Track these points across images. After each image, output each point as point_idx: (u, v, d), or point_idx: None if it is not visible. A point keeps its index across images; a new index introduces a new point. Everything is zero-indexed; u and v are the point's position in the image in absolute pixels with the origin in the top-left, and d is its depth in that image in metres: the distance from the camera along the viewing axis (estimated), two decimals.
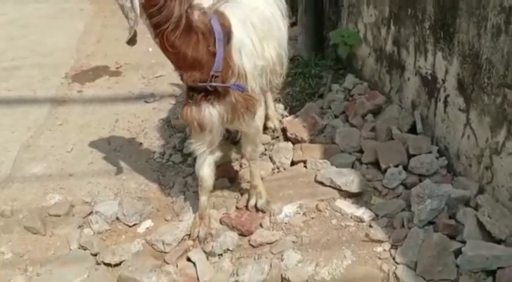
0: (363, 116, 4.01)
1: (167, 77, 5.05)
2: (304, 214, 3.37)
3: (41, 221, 3.48)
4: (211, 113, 2.93)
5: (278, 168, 3.85)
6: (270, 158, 3.92)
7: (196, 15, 2.72)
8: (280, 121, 4.26)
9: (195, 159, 3.90)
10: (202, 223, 3.31)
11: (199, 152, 3.19)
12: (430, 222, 3.13)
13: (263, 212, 3.42)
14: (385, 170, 3.53)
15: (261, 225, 3.35)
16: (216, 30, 2.76)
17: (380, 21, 4.11)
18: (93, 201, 3.66)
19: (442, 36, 3.41)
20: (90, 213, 3.56)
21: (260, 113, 3.17)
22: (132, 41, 2.63)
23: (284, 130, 4.14)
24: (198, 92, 2.90)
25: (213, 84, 2.83)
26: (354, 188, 3.42)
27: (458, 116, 3.36)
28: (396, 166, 3.51)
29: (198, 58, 2.76)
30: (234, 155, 3.94)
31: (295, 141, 4.03)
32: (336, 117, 4.18)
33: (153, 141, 4.26)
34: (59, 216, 3.57)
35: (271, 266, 3.02)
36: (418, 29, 3.65)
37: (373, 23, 4.23)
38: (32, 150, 4.25)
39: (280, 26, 3.33)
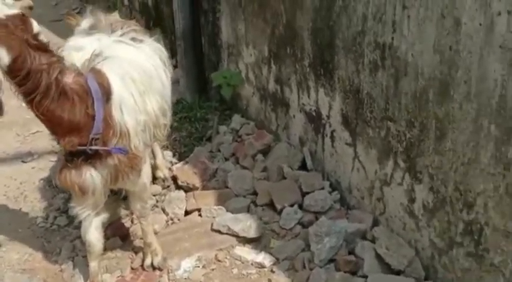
0: (253, 157, 3.96)
1: (45, 133, 4.71)
2: (203, 267, 3.24)
3: None
4: (93, 175, 2.74)
5: (172, 219, 3.69)
6: (163, 209, 3.76)
7: (70, 78, 2.53)
8: (170, 169, 4.11)
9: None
10: None
11: (83, 216, 2.98)
12: (331, 260, 3.11)
13: (160, 270, 3.24)
14: (281, 211, 3.49)
15: None
16: (94, 90, 2.59)
17: (260, 61, 4.12)
18: None
19: (322, 73, 3.45)
20: None
21: (146, 169, 3.02)
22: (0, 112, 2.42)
23: (174, 178, 3.99)
24: (77, 155, 2.71)
25: (93, 147, 2.64)
26: (252, 233, 3.34)
27: (345, 150, 3.40)
28: (291, 205, 3.47)
29: (75, 122, 2.56)
30: (123, 211, 3.72)
31: (187, 189, 3.89)
32: (227, 159, 4.11)
33: (34, 204, 3.94)
34: None
35: None
36: (299, 67, 3.68)
37: (253, 63, 4.22)
38: None
39: (161, 77, 3.21)
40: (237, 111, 4.58)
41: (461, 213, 2.63)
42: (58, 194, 3.97)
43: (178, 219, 3.68)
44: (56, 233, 3.69)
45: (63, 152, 2.74)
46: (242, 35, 4.28)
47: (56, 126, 2.56)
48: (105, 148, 2.67)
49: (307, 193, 3.52)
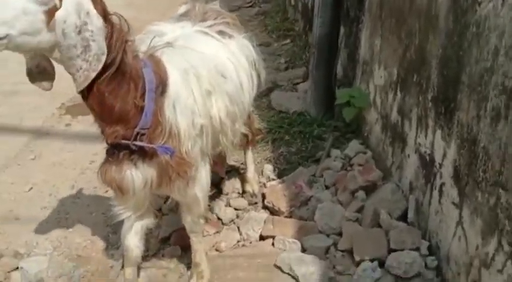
0: (353, 192, 3.41)
1: None
2: None
3: None
4: (133, 175, 2.42)
5: (244, 240, 3.31)
6: (238, 227, 3.39)
7: (130, 59, 2.25)
8: (264, 185, 3.73)
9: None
10: None
11: (123, 216, 2.71)
12: None
13: None
14: (359, 263, 2.92)
15: None
16: (148, 79, 2.27)
17: (388, 85, 3.54)
18: (26, 254, 3.23)
19: (443, 112, 2.81)
20: (16, 268, 3.12)
21: (201, 180, 2.64)
22: None
23: (264, 196, 3.60)
24: (120, 149, 2.41)
25: (137, 143, 2.32)
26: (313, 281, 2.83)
27: (451, 211, 2.73)
28: (372, 260, 2.89)
29: (124, 111, 2.25)
30: None
31: (272, 210, 3.48)
32: (327, 188, 3.60)
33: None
34: None
35: None
36: (422, 100, 3.06)
37: (382, 86, 3.65)
38: None
39: (241, 79, 2.82)
40: (358, 137, 4.04)
41: None
42: None
43: (250, 242, 3.29)
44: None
45: (106, 145, 2.46)
46: (377, 53, 3.73)
47: (103, 111, 2.24)
48: (150, 145, 2.34)
49: (395, 250, 2.91)
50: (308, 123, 4.22)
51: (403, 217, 3.15)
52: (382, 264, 2.89)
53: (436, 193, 2.90)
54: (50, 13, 1.98)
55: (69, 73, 2.13)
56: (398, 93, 3.38)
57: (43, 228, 3.45)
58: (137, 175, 2.42)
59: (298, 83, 5.03)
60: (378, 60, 3.70)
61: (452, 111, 2.70)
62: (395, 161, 3.46)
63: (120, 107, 2.24)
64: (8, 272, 3.12)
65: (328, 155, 3.90)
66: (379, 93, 3.72)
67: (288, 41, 6.22)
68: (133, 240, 2.76)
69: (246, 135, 3.39)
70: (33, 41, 1.99)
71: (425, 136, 3.01)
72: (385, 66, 3.59)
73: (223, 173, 3.69)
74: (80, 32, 2.00)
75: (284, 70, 5.49)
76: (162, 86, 2.33)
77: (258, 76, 3.07)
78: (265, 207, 3.55)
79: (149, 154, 2.38)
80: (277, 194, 3.55)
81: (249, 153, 3.64)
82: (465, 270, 2.60)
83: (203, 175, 2.65)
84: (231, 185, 3.74)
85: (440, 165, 2.84)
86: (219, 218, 3.50)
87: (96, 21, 2.03)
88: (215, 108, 2.59)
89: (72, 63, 2.07)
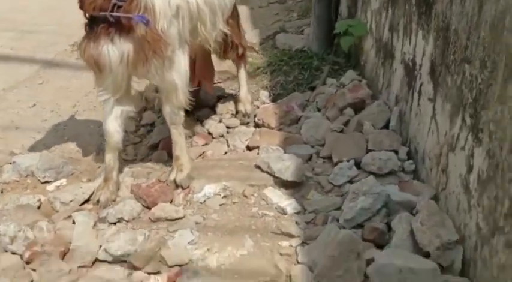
0: (341, 109, 3.43)
1: None
2: (225, 197, 2.84)
3: None
4: (109, 50, 2.52)
5: (231, 151, 3.37)
6: (227, 140, 3.45)
7: None
8: (257, 107, 3.78)
9: (149, 131, 3.57)
10: (105, 186, 2.89)
11: (102, 98, 2.80)
12: (360, 225, 2.52)
13: (182, 188, 2.94)
14: (336, 165, 2.95)
15: (171, 201, 2.87)
16: None
17: (382, 5, 3.56)
18: (20, 153, 3.36)
19: (423, 10, 2.83)
20: (10, 163, 3.25)
21: (180, 67, 2.72)
22: None
23: (255, 116, 3.65)
24: (98, 23, 2.52)
25: (114, 14, 2.43)
26: (287, 176, 2.86)
27: (427, 107, 2.74)
28: (349, 161, 2.92)
29: None
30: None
31: (261, 127, 3.53)
32: (319, 110, 3.63)
33: None
34: None
35: (147, 238, 2.53)
36: (408, 7, 3.07)
37: (377, 9, 3.67)
38: None
39: None
40: (355, 67, 4.06)
41: (510, 186, 1.90)
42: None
43: (236, 152, 3.34)
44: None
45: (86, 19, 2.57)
46: None
47: None
48: (127, 15, 2.44)
49: (372, 151, 2.93)
50: (308, 57, 4.26)
51: (386, 127, 3.16)
52: (358, 165, 2.91)
53: (416, 96, 2.91)
54: None
55: None
56: (390, 10, 3.40)
57: (40, 135, 3.59)
58: (113, 50, 2.52)
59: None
60: None
61: (431, 5, 2.71)
62: (384, 81, 3.47)
63: None
64: (1, 166, 3.25)
65: (324, 83, 3.93)
66: (374, 18, 3.73)
67: None
68: (112, 124, 2.84)
69: (235, 46, 3.44)
70: None
71: (409, 42, 3.03)
72: None
73: (211, 89, 3.73)
74: None
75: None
76: None
77: None
78: (256, 125, 3.59)
79: (126, 28, 2.48)
80: (268, 112, 3.60)
81: (242, 72, 3.69)
82: (436, 163, 2.60)
83: (181, 61, 2.73)
84: (225, 107, 3.80)
85: (420, 66, 2.85)
86: (209, 133, 3.56)
87: None
88: None
89: None
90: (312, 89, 3.94)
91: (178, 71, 2.73)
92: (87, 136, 3.58)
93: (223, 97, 3.93)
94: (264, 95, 3.95)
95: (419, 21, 2.88)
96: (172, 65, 2.68)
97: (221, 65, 4.11)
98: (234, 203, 2.83)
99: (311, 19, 4.48)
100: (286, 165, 2.89)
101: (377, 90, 3.58)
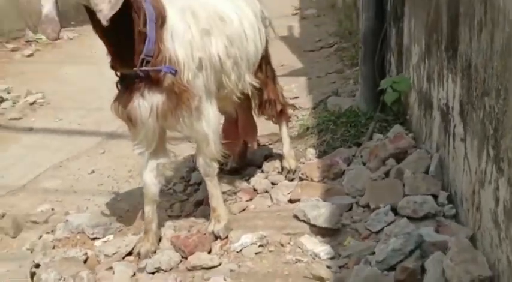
0: (384, 160, 3.42)
1: None
2: (261, 246, 2.88)
3: (16, 225, 3.45)
4: (141, 104, 2.70)
5: (274, 205, 3.41)
6: (270, 195, 3.50)
7: None
8: (302, 163, 3.82)
9: (196, 189, 3.68)
10: (146, 238, 2.98)
11: (138, 152, 2.95)
12: (393, 268, 2.46)
13: (220, 238, 2.99)
14: (373, 211, 2.92)
15: (209, 251, 2.92)
16: (149, 10, 2.61)
17: (420, 58, 3.59)
18: (74, 213, 3.54)
19: (451, 54, 2.85)
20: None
21: (209, 117, 2.86)
22: None
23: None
24: (128, 80, 2.72)
25: (143, 68, 2.63)
26: (321, 222, 2.86)
27: (460, 148, 2.71)
28: (385, 207, 2.88)
29: (130, 39, 2.60)
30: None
31: (304, 180, 3.56)
32: (364, 164, 3.63)
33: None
34: (37, 223, 3.51)
35: None
36: (439, 54, 3.10)
37: (416, 63, 3.70)
38: (59, 170, 4.32)
39: (244, 27, 3.10)
40: (402, 122, 4.05)
41: None
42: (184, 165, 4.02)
43: (279, 205, 3.38)
44: (168, 195, 3.73)
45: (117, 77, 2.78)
46: (412, 34, 3.80)
47: (114, 40, 2.60)
48: (155, 68, 2.62)
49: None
50: (355, 115, 4.30)
51: (427, 174, 3.11)
52: (395, 210, 2.87)
53: (451, 139, 2.88)
54: None
55: (95, 8, 2.44)
56: (426, 61, 3.43)
57: (95, 197, 3.77)
58: (143, 104, 2.70)
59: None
60: (414, 40, 3.78)
61: (456, 47, 2.74)
62: (427, 130, 3.45)
63: (128, 35, 2.58)
64: (55, 225, 3.42)
65: (370, 139, 3.94)
66: (415, 72, 3.76)
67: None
68: (149, 177, 2.97)
69: (272, 102, 3.54)
70: None
71: (443, 88, 3.03)
72: (418, 42, 3.66)
73: (254, 143, 3.81)
74: None
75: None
76: (161, 18, 2.66)
77: (265, 29, 3.30)
78: (300, 180, 3.62)
79: (154, 82, 2.66)
80: (312, 167, 3.64)
81: (283, 129, 3.76)
82: (471, 201, 2.54)
83: (210, 112, 2.86)
84: (272, 165, 3.87)
85: (452, 108, 2.84)
86: (254, 189, 3.62)
87: None
88: (214, 47, 2.85)
89: None
90: (359, 145, 3.95)
91: (208, 121, 2.85)
92: (138, 197, 3.71)
93: (270, 156, 4.01)
94: (311, 152, 3.99)
95: (448, 66, 2.90)
96: (201, 116, 2.81)
97: (270, 128, 4.22)
98: (270, 251, 2.86)
99: (359, 79, 4.55)
100: (321, 212, 2.90)
101: (421, 141, 3.55)
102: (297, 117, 4.84)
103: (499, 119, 2.13)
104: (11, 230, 3.41)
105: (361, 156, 3.69)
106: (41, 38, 8.86)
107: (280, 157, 3.86)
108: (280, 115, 3.70)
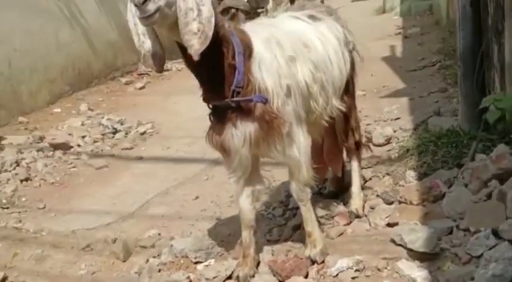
0: (486, 182, 3.30)
1: None
2: (358, 270, 2.88)
3: (126, 249, 3.67)
4: (233, 134, 2.80)
5: (372, 229, 3.39)
6: (368, 219, 3.48)
7: (224, 28, 2.72)
8: (401, 185, 3.76)
9: (294, 214, 3.74)
10: (244, 263, 3.07)
11: (233, 180, 3.06)
12: None
13: (316, 263, 3.02)
14: (475, 234, 2.83)
15: (306, 276, 2.96)
16: (236, 43, 2.72)
17: None
18: (179, 238, 3.70)
19: None
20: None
21: (300, 143, 2.91)
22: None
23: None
24: (220, 111, 2.84)
25: (235, 99, 2.73)
26: (418, 246, 2.82)
27: None
28: (486, 230, 2.79)
29: (221, 71, 2.72)
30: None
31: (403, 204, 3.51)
32: (466, 186, 3.52)
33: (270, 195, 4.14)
34: (145, 247, 3.70)
35: None
36: None
37: None
38: (166, 197, 4.54)
39: (328, 52, 3.15)
40: (509, 143, 3.88)
41: None
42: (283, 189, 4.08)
43: (377, 229, 3.35)
44: (267, 220, 3.82)
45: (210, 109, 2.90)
46: None
47: (205, 73, 2.74)
48: (246, 98, 2.72)
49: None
50: (457, 135, 4.17)
51: None
52: (496, 234, 2.77)
53: None
54: None
55: (186, 44, 2.58)
56: None
57: (199, 223, 3.93)
58: (236, 133, 2.80)
59: None
60: None
61: None
62: None
63: (218, 68, 2.71)
64: (161, 250, 3.60)
65: (473, 159, 3.81)
66: None
67: None
68: (244, 203, 3.07)
69: (353, 129, 3.55)
70: (171, 11, 2.52)
71: None
72: None
73: (339, 171, 3.78)
74: None
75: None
76: (248, 50, 2.76)
77: (350, 52, 3.31)
78: (399, 203, 3.57)
79: (245, 111, 2.76)
80: (411, 189, 3.58)
81: (355, 165, 3.67)
82: None
83: (300, 137, 2.92)
84: (370, 188, 3.85)
85: None
86: (352, 213, 3.60)
87: None
88: (300, 73, 2.92)
89: (189, 29, 2.54)
90: (460, 166, 3.83)
91: (299, 147, 2.91)
92: (239, 221, 3.80)
93: (369, 180, 3.99)
94: (410, 175, 3.92)
95: None
96: (292, 142, 2.88)
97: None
98: (366, 276, 2.85)
99: (459, 98, 4.43)
100: (418, 236, 2.86)
101: None
102: (398, 139, 4.79)
103: None
104: (122, 254, 3.63)
105: (463, 178, 3.58)
106: (151, 71, 9.39)
107: (347, 195, 3.73)
108: (356, 149, 3.66)
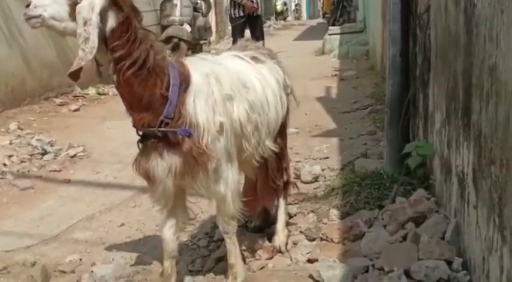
0: (403, 224, 3.46)
1: None
2: None
3: (45, 274, 3.57)
4: (159, 164, 2.82)
5: (293, 264, 3.46)
6: (290, 254, 3.56)
7: (158, 58, 2.75)
8: (324, 223, 3.87)
9: (219, 246, 3.77)
10: None
11: (157, 208, 3.08)
12: None
13: None
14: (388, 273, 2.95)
15: None
16: (173, 76, 2.76)
17: (441, 124, 3.66)
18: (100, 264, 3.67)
19: (466, 122, 2.92)
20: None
21: (228, 180, 2.95)
22: (75, 75, 2.75)
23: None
24: (148, 140, 2.86)
25: (162, 129, 2.76)
26: None
27: (472, 215, 2.75)
28: (398, 270, 2.91)
29: (151, 100, 2.74)
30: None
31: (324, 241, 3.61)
32: (385, 227, 3.66)
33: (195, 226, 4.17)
34: (65, 272, 3.64)
35: None
36: (456, 121, 3.17)
37: (438, 129, 3.77)
38: (92, 222, 4.48)
39: (266, 94, 3.23)
40: (428, 188, 4.08)
41: None
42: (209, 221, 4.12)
43: (297, 265, 3.43)
44: (191, 251, 3.83)
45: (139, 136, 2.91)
46: (435, 101, 3.89)
47: (134, 100, 2.74)
48: (172, 129, 2.75)
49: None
50: (380, 178, 4.35)
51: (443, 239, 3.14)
52: (409, 274, 2.89)
53: (466, 206, 2.91)
54: (73, 6, 2.57)
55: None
56: (446, 127, 3.50)
57: (122, 250, 3.90)
58: (161, 164, 2.82)
59: None
60: (436, 106, 3.85)
61: (469, 116, 2.81)
62: (447, 195, 3.48)
63: (148, 96, 2.73)
64: (81, 275, 3.55)
65: (393, 202, 3.98)
66: (438, 138, 3.82)
67: None
68: (167, 234, 3.08)
69: (283, 169, 3.65)
70: (60, 26, 2.62)
71: (459, 154, 3.09)
72: (440, 109, 3.74)
73: (272, 207, 3.87)
74: (85, 24, 2.55)
75: None
76: (185, 83, 2.79)
77: (287, 96, 3.43)
78: (320, 240, 3.67)
79: (173, 143, 2.79)
80: (333, 228, 3.69)
81: (282, 203, 3.77)
82: (481, 269, 2.56)
83: (229, 174, 2.96)
84: (294, 224, 3.94)
85: (467, 175, 2.89)
86: (275, 248, 3.68)
87: (94, 19, 2.55)
88: (236, 112, 2.97)
89: (78, 51, 2.61)
90: (381, 207, 3.99)
91: (226, 183, 2.95)
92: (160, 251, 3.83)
93: (294, 215, 4.08)
94: (334, 213, 4.05)
95: (463, 134, 2.97)
96: (219, 178, 2.91)
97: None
98: None
99: (384, 143, 4.63)
100: (335, 273, 2.96)
101: (442, 206, 3.58)
102: (325, 178, 4.93)
103: (502, 188, 2.19)
104: (40, 278, 3.53)
105: (383, 219, 3.73)
106: (88, 94, 9.30)
107: (271, 231, 3.79)
108: (284, 187, 3.76)
